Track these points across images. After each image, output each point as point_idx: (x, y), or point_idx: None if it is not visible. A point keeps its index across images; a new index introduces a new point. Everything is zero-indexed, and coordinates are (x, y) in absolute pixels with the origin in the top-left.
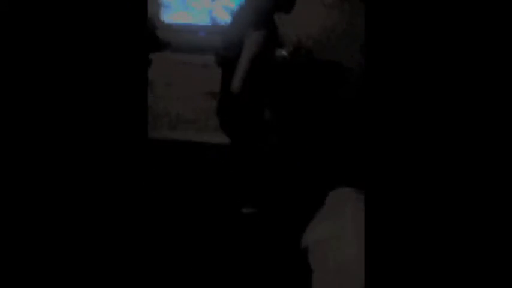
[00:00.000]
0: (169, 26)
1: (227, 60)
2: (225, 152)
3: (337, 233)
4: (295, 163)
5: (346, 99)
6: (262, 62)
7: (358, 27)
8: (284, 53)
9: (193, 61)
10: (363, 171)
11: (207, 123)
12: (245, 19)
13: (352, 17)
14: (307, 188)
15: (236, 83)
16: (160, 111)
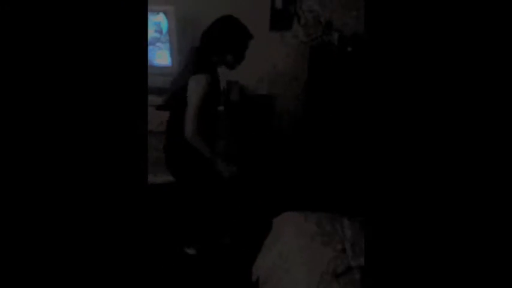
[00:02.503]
0: None
1: (175, 103)
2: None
3: (284, 259)
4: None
5: (279, 130)
6: (209, 106)
7: (288, 65)
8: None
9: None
10: (307, 195)
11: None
12: (191, 65)
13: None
14: (253, 218)
15: (189, 131)
16: None
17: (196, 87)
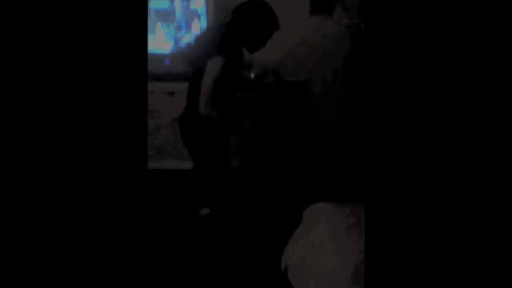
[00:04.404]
0: None
1: (193, 85)
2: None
3: (316, 249)
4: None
5: (314, 119)
6: (226, 86)
7: (329, 49)
8: (252, 75)
9: (159, 89)
10: (337, 186)
11: (175, 150)
12: (210, 45)
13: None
14: (283, 208)
15: (202, 106)
16: None
17: (210, 70)
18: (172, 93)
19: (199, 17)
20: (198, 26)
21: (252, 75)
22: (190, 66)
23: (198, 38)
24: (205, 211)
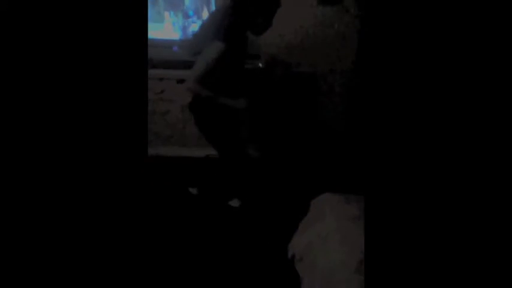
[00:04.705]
0: None
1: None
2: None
3: (322, 239)
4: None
5: (323, 110)
6: (221, 70)
7: (337, 40)
8: (260, 65)
9: (168, 76)
10: (346, 177)
11: (183, 137)
12: (213, 32)
13: (331, 29)
14: (289, 198)
15: (190, 81)
16: None
17: (207, 51)
18: (182, 81)
19: (208, 4)
20: (207, 15)
21: (261, 64)
22: (197, 54)
23: (202, 25)
24: (194, 191)
